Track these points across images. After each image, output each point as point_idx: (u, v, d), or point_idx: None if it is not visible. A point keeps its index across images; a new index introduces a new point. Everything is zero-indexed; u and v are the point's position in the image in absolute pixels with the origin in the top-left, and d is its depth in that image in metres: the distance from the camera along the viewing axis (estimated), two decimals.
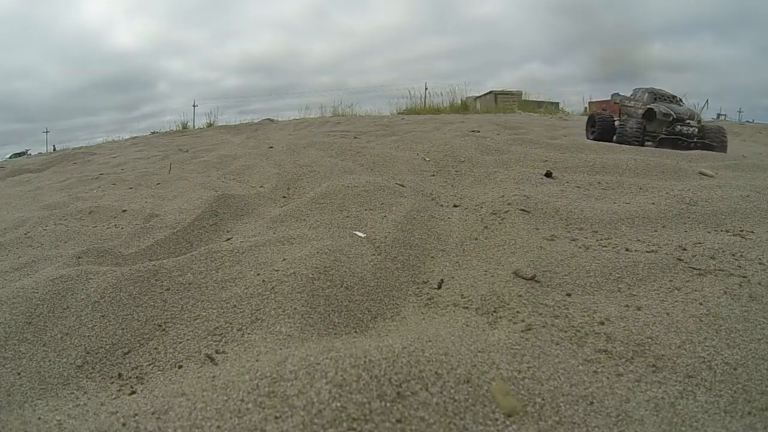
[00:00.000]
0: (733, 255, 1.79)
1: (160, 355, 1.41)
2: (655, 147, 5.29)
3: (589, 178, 3.10)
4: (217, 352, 1.38)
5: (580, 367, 1.17)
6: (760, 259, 1.75)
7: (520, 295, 1.54)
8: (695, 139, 5.39)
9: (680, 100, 6.24)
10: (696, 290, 1.53)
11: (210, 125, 10.59)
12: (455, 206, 2.72)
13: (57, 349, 1.42)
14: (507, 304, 1.51)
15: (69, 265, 1.97)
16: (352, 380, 0.97)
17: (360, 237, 2.10)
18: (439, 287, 1.78)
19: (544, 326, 1.35)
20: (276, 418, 0.90)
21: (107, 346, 1.44)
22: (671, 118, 5.40)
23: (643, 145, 5.40)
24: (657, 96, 6.24)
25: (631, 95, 6.83)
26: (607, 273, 1.67)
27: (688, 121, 5.53)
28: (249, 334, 1.43)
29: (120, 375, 1.34)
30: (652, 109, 5.63)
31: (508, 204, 2.41)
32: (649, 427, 1.00)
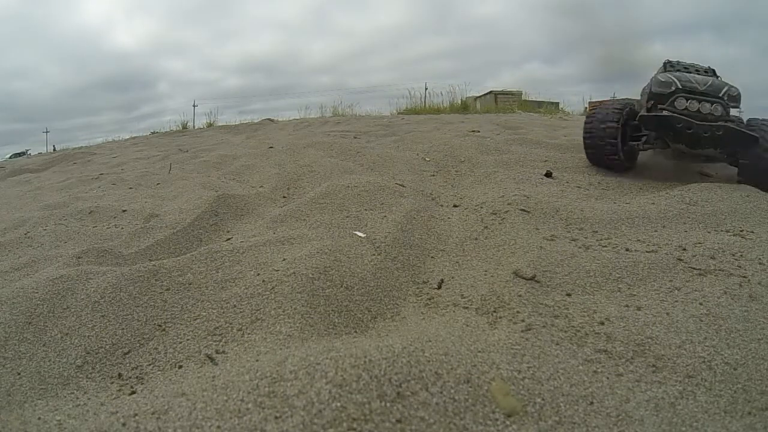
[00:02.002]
0: (733, 255, 1.79)
1: (160, 355, 1.41)
2: (643, 149, 3.19)
3: (589, 178, 3.10)
4: (217, 352, 1.38)
5: (580, 367, 1.17)
6: (760, 259, 1.75)
7: (520, 295, 1.54)
8: (714, 129, 2.78)
9: (711, 72, 3.25)
10: (696, 290, 1.53)
11: (210, 125, 10.58)
12: (455, 206, 2.72)
13: (57, 349, 1.42)
14: (507, 304, 1.51)
15: (69, 265, 1.97)
16: (352, 380, 0.97)
17: (360, 237, 2.10)
18: (439, 287, 1.78)
19: (544, 326, 1.35)
20: (276, 418, 0.90)
21: (107, 346, 1.44)
22: (672, 88, 2.90)
23: (630, 161, 3.24)
24: (670, 68, 3.30)
25: None
26: (607, 273, 1.67)
27: (703, 95, 2.88)
28: (249, 334, 1.43)
29: (120, 375, 1.34)
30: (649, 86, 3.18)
31: (508, 204, 2.41)
32: (649, 427, 1.00)
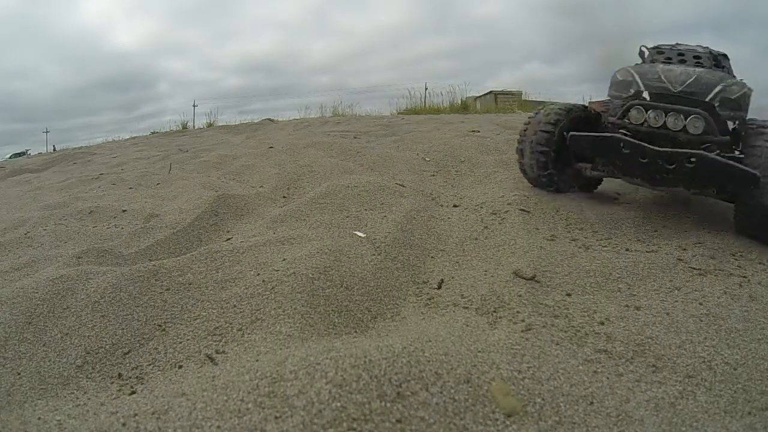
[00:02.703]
0: (733, 255, 1.79)
1: (160, 355, 1.41)
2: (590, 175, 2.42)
3: None
4: (217, 352, 1.38)
5: (580, 367, 1.17)
6: (760, 259, 1.75)
7: (520, 295, 1.54)
8: (683, 158, 1.84)
9: (717, 57, 2.13)
10: (696, 290, 1.54)
11: (210, 125, 10.58)
12: (455, 206, 2.72)
13: (57, 349, 1.42)
14: (507, 304, 1.51)
15: (69, 265, 1.97)
16: (352, 380, 0.97)
17: (360, 237, 2.10)
18: (439, 287, 1.78)
19: (544, 326, 1.35)
20: (276, 418, 0.90)
21: (107, 346, 1.44)
22: (632, 90, 2.08)
23: (584, 186, 2.58)
24: (657, 57, 2.29)
25: None
26: (607, 273, 1.67)
27: (678, 100, 1.91)
28: (249, 334, 1.43)
29: (120, 375, 1.34)
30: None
31: (508, 204, 2.41)
32: (649, 427, 1.00)
